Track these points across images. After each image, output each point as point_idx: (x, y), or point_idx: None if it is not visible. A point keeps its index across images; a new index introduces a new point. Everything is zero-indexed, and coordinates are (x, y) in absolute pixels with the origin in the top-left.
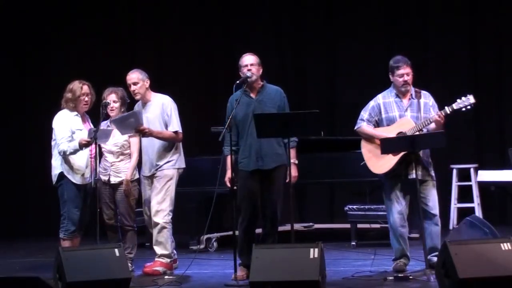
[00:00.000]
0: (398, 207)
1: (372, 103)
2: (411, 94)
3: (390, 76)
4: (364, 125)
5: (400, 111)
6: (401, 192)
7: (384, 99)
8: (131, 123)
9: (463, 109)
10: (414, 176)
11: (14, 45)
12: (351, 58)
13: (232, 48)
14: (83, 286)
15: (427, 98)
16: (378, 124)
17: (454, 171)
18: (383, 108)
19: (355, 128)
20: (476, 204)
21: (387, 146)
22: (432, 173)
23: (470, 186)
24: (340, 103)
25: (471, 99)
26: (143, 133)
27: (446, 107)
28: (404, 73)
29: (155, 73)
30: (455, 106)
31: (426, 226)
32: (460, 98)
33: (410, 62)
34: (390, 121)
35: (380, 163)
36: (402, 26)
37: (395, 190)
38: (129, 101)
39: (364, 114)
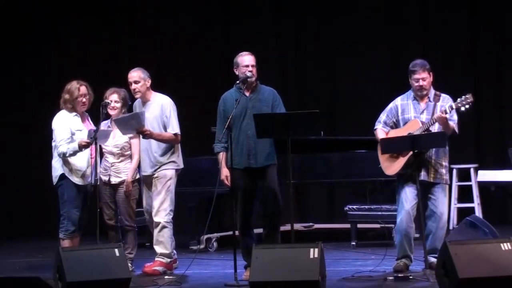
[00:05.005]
0: (406, 207)
1: (390, 105)
2: (429, 97)
3: (409, 79)
4: (378, 129)
5: (416, 113)
6: (411, 193)
7: (402, 101)
8: (132, 124)
9: (462, 108)
10: (422, 177)
11: (13, 45)
12: (352, 58)
13: (232, 48)
14: (83, 286)
15: (444, 102)
16: (396, 125)
17: (454, 171)
18: (400, 110)
19: (373, 129)
20: (476, 204)
21: (387, 146)
22: (446, 177)
23: (470, 186)
24: (340, 104)
25: (469, 97)
26: (144, 134)
27: (445, 106)
28: (419, 78)
29: (155, 72)
30: (454, 105)
31: (432, 228)
32: (460, 97)
33: (428, 66)
34: (406, 123)
35: (390, 165)
36: (402, 26)
37: (405, 191)
38: (130, 103)
39: (382, 116)
